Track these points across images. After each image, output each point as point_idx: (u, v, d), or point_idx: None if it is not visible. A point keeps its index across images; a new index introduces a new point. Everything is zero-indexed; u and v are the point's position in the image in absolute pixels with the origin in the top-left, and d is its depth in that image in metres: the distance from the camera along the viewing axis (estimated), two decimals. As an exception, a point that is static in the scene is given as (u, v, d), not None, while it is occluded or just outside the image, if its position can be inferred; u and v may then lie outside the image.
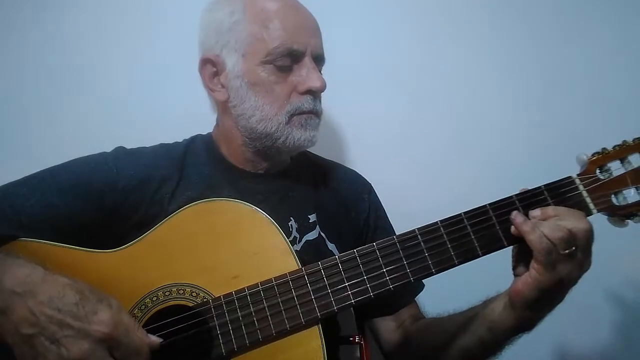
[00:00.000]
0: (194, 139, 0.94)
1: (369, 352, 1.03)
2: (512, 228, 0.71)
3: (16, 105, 1.14)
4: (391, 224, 1.01)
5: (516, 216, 0.71)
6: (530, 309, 0.72)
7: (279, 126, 0.83)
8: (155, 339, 0.66)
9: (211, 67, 0.88)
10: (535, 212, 0.71)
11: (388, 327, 0.95)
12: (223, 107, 0.90)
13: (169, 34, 1.17)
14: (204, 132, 0.97)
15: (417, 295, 0.97)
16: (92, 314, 0.61)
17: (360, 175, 1.04)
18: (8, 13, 1.13)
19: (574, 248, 0.67)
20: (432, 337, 0.88)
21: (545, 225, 0.68)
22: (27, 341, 0.60)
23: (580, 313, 1.17)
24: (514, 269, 0.75)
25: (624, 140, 0.77)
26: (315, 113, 0.86)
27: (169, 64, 1.17)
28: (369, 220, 0.97)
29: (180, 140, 0.95)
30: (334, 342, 0.92)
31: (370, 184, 1.03)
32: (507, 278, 0.74)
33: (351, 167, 1.07)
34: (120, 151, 0.89)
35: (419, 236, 0.73)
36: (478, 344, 0.78)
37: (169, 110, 1.17)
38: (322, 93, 0.88)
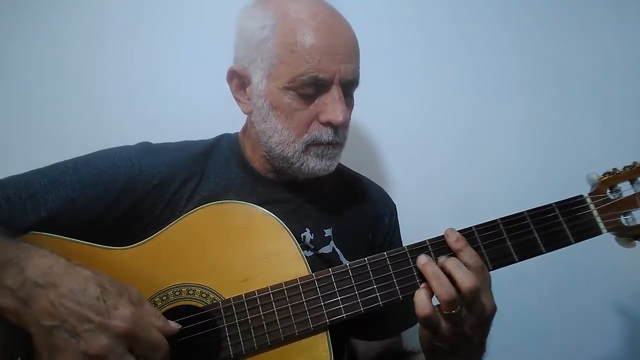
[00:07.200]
0: (220, 139, 0.93)
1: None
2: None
3: (21, 105, 1.11)
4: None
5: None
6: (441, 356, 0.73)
7: (295, 153, 0.81)
8: (174, 327, 0.67)
9: (238, 80, 0.86)
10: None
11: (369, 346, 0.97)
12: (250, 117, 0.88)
13: (196, 29, 1.14)
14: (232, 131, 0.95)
15: (405, 329, 0.96)
16: (113, 308, 0.61)
17: (387, 194, 1.01)
18: (10, 11, 1.10)
19: (458, 308, 0.67)
20: None
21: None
22: (47, 333, 0.60)
23: (588, 324, 1.19)
24: None
25: (635, 162, 0.78)
26: (335, 144, 0.83)
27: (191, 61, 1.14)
28: (383, 245, 0.95)
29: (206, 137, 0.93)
30: (341, 348, 0.92)
31: (394, 205, 1.00)
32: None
33: (360, 170, 1.04)
34: (144, 147, 0.86)
35: (429, 247, 0.74)
36: None
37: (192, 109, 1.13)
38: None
